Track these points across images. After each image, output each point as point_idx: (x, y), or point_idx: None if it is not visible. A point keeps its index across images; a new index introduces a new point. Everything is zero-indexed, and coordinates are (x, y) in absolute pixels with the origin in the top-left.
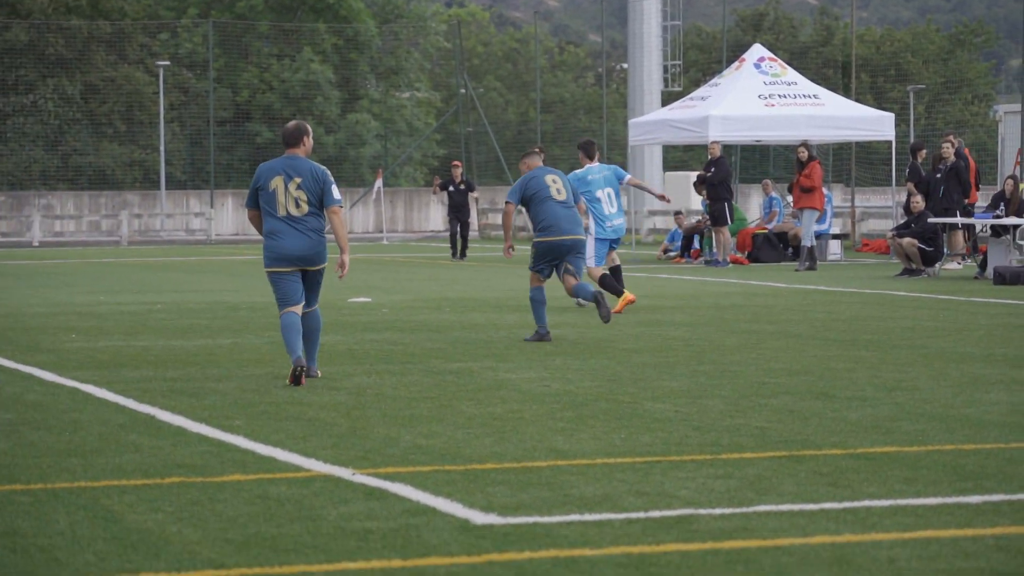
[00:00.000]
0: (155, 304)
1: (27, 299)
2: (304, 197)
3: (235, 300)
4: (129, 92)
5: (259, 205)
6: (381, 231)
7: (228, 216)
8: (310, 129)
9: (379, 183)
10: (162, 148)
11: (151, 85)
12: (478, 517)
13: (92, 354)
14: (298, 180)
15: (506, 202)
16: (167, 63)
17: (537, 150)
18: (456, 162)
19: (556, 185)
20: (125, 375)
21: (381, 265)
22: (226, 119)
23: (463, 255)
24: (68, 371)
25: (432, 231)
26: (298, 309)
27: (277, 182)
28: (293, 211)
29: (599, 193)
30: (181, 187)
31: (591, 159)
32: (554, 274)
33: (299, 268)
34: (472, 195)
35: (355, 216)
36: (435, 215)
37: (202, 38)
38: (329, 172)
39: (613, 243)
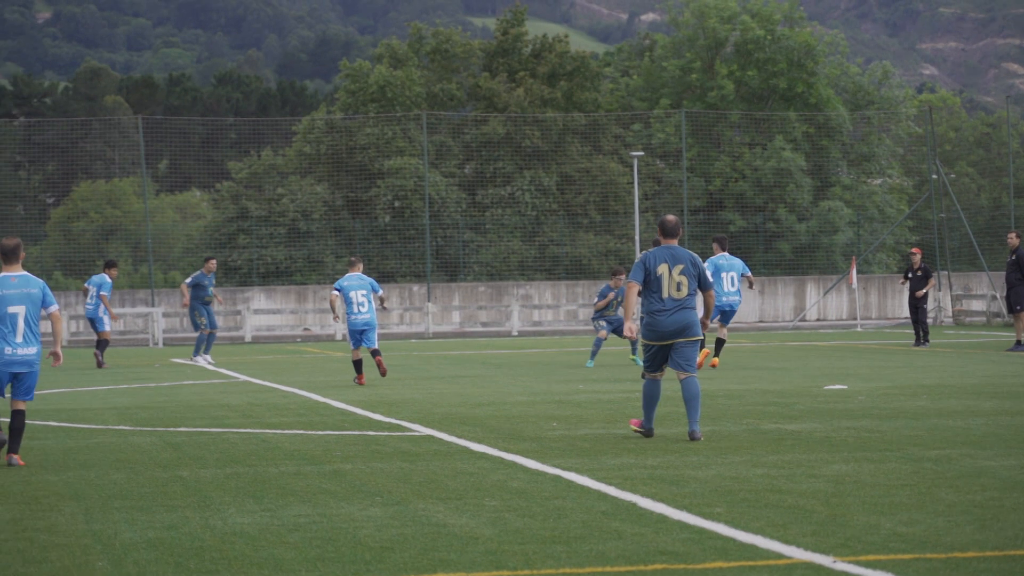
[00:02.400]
0: (633, 392)
1: (508, 388)
2: (685, 282)
3: (712, 388)
4: (604, 182)
5: (643, 283)
6: (855, 318)
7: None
8: None
9: (853, 271)
10: (637, 237)
11: (625, 175)
12: None
13: (573, 442)
14: (680, 267)
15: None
16: (641, 153)
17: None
18: (915, 249)
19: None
20: (606, 462)
21: (855, 352)
22: (699, 208)
23: (925, 341)
24: (550, 459)
25: (906, 318)
26: (659, 376)
27: (663, 269)
28: (675, 294)
29: (723, 275)
30: None
31: (724, 250)
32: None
33: (673, 341)
34: (930, 281)
35: (828, 303)
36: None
37: (675, 128)
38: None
39: (726, 314)
